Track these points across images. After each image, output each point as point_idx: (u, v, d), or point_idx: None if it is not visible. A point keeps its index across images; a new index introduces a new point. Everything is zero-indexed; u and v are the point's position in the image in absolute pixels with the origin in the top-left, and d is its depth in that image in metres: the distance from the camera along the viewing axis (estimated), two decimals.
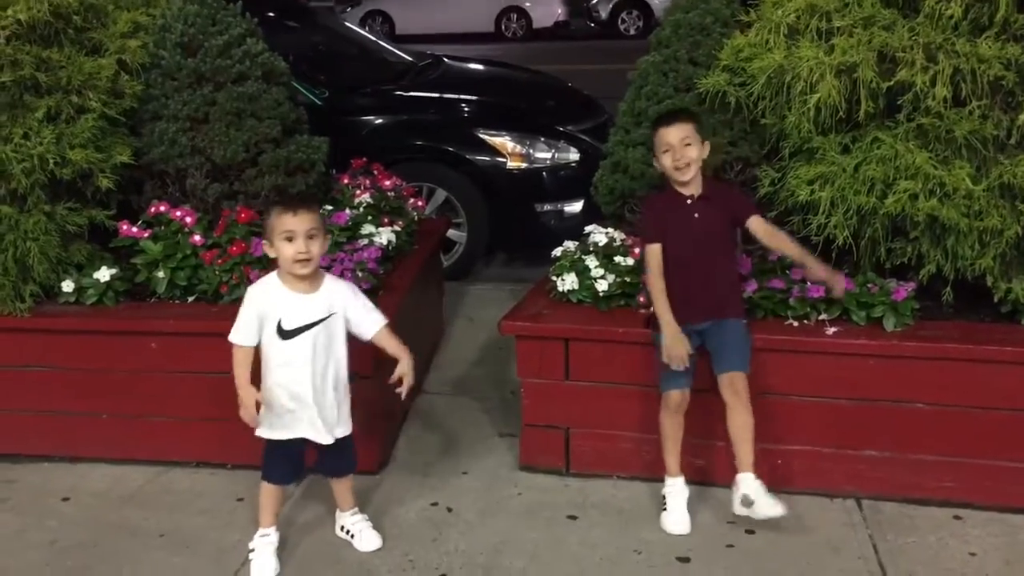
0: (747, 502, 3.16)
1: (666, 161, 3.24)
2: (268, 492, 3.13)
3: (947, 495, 3.37)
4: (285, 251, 2.89)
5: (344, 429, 3.10)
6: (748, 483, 3.17)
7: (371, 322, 3.07)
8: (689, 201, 3.28)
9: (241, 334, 2.98)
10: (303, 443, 3.06)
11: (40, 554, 3.25)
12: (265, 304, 2.96)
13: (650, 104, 3.83)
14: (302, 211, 2.89)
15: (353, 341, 3.10)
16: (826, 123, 3.39)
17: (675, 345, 3.18)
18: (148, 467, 3.75)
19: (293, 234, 2.87)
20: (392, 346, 3.08)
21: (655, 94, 3.83)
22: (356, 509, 3.27)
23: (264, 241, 3.02)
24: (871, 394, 3.35)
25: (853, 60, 3.25)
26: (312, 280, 2.97)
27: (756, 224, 3.27)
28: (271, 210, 2.96)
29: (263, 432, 3.03)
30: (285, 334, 2.94)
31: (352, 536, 3.22)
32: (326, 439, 3.03)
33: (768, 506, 3.15)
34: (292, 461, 3.10)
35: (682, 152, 3.21)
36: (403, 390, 3.07)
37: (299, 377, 2.96)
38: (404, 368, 3.05)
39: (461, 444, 3.92)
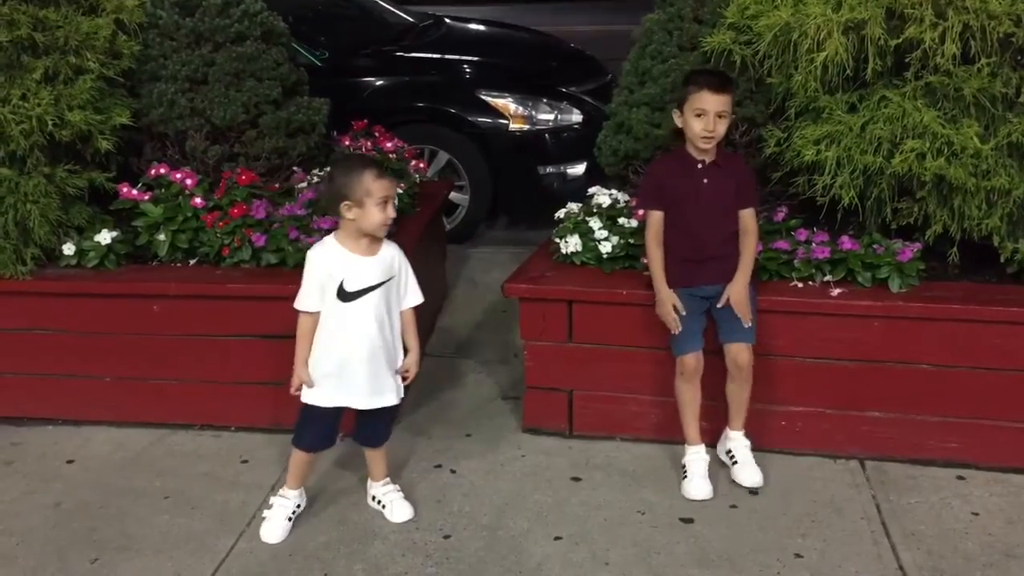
0: (733, 459, 3.31)
1: (695, 125, 3.18)
2: (298, 457, 3.12)
3: (950, 456, 3.38)
4: (375, 216, 2.87)
5: (388, 399, 3.04)
6: (737, 441, 3.32)
7: (410, 296, 3.08)
8: (700, 166, 3.24)
9: (307, 300, 2.95)
10: (340, 411, 3.04)
11: (46, 516, 3.26)
12: (328, 267, 2.94)
13: (654, 63, 3.78)
14: (389, 177, 2.93)
15: None
16: (833, 82, 3.35)
17: (664, 307, 3.23)
18: (152, 430, 3.75)
19: (388, 198, 2.89)
20: (411, 331, 3.09)
21: (659, 53, 3.78)
22: (388, 480, 3.23)
23: (344, 203, 2.88)
24: (876, 355, 3.34)
25: (861, 17, 3.20)
26: (373, 242, 2.97)
27: (747, 216, 3.26)
28: (360, 172, 2.88)
29: (305, 395, 3.01)
30: (347, 296, 2.92)
31: (384, 507, 3.19)
32: (366, 403, 3.01)
33: (748, 475, 3.26)
34: (326, 429, 3.06)
35: (715, 123, 3.15)
36: (408, 380, 3.11)
37: (354, 341, 2.94)
38: (411, 361, 3.09)
39: (465, 407, 3.93)
